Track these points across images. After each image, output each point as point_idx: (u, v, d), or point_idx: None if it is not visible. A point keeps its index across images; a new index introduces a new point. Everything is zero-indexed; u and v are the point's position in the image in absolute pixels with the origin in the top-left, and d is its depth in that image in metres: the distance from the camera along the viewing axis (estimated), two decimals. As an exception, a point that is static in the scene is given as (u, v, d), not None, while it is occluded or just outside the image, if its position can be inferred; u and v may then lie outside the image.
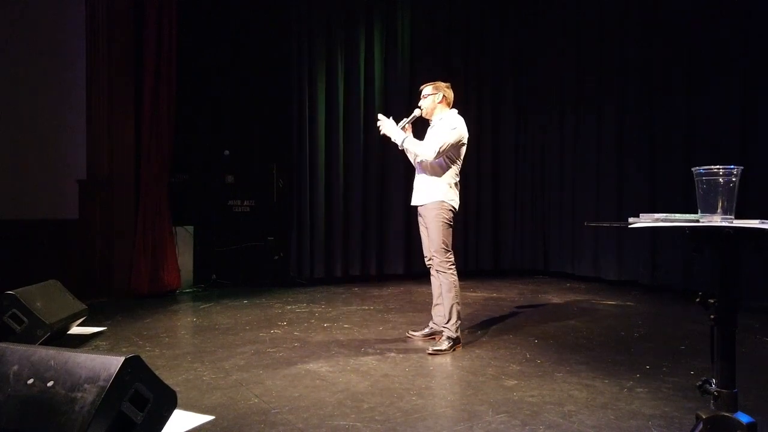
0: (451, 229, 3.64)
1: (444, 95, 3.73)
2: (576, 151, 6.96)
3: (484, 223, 7.52)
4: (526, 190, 7.66)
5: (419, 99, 3.79)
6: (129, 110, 5.64)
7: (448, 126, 3.59)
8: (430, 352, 3.45)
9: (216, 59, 6.40)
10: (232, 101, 6.49)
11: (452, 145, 3.57)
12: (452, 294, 3.57)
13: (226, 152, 6.28)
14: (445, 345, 3.50)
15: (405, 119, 3.77)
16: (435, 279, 3.72)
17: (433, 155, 3.53)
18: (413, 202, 3.78)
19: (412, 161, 3.84)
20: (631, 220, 1.75)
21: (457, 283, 3.61)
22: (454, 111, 3.73)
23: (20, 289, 3.40)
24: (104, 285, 5.51)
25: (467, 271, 7.32)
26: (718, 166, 1.66)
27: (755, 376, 2.97)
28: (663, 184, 5.89)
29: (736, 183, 1.65)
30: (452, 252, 3.66)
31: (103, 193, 5.58)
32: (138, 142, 5.65)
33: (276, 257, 6.74)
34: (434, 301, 3.77)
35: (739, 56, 5.23)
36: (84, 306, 3.94)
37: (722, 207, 1.65)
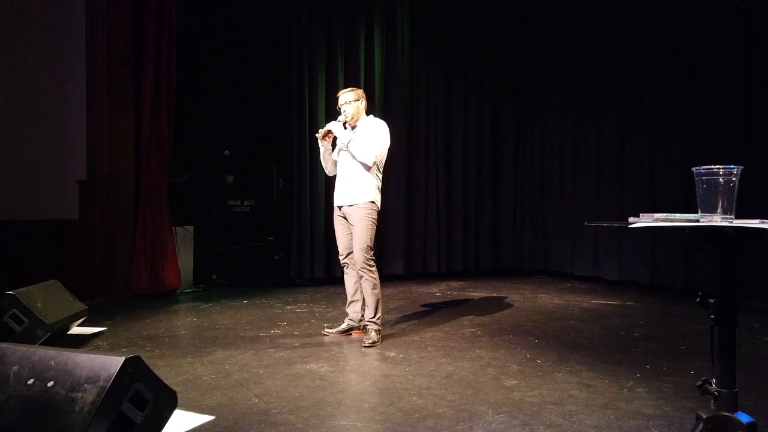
0: (374, 229, 3.81)
1: (365, 102, 3.97)
2: (576, 151, 6.96)
3: (484, 223, 7.52)
4: (526, 190, 7.66)
5: (338, 105, 3.92)
6: (129, 110, 5.65)
7: (382, 133, 3.81)
8: (366, 345, 3.62)
9: (216, 59, 6.41)
10: (232, 101, 6.49)
11: (384, 151, 3.84)
12: (377, 291, 3.76)
13: (226, 152, 6.27)
14: (374, 336, 3.68)
15: (335, 122, 3.86)
16: (349, 277, 3.91)
17: (373, 160, 3.75)
18: (340, 202, 3.87)
19: (336, 161, 3.93)
20: (631, 219, 1.75)
21: (378, 280, 3.79)
22: (372, 117, 3.94)
23: (20, 289, 3.40)
24: (104, 285, 5.51)
25: (467, 271, 7.33)
26: (718, 166, 1.66)
27: (755, 376, 2.97)
28: (663, 184, 5.89)
29: (736, 183, 1.65)
30: (374, 251, 3.83)
31: (103, 194, 5.58)
32: (138, 142, 5.65)
33: (276, 257, 6.74)
34: (349, 298, 3.94)
35: (739, 56, 5.23)
36: (84, 306, 3.93)
37: (722, 207, 1.65)
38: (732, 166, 1.65)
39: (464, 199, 7.38)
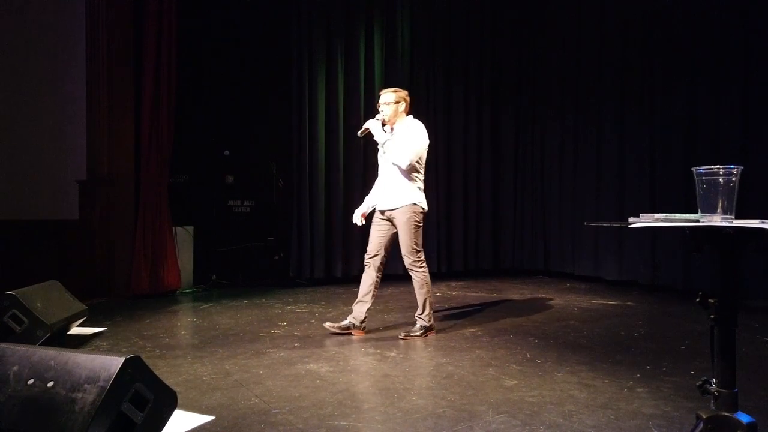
0: (420, 230, 3.87)
1: (406, 104, 3.94)
2: (576, 151, 6.96)
3: (484, 223, 7.52)
4: (526, 190, 7.66)
5: (378, 103, 3.95)
6: (129, 110, 5.65)
7: (418, 135, 3.82)
8: (401, 337, 3.79)
9: (216, 59, 6.41)
10: (232, 101, 6.49)
11: (421, 153, 3.84)
12: (425, 290, 3.88)
13: (226, 152, 6.28)
14: (418, 332, 3.84)
15: (373, 120, 3.91)
16: (367, 276, 3.96)
17: (408, 163, 3.76)
18: (383, 207, 3.92)
19: (380, 164, 3.98)
20: (631, 220, 1.75)
21: (428, 278, 3.91)
22: (411, 118, 3.93)
23: (20, 289, 3.40)
24: (104, 285, 5.51)
25: (467, 271, 7.33)
26: (718, 166, 1.65)
27: (755, 376, 2.97)
28: (663, 184, 5.89)
29: (736, 183, 1.65)
30: (422, 251, 3.91)
31: (103, 193, 5.58)
32: (138, 142, 5.65)
33: (276, 257, 6.74)
34: (359, 297, 3.95)
35: (739, 56, 5.23)
36: (84, 306, 3.93)
37: (722, 207, 1.65)
38: (732, 166, 1.64)
39: (464, 199, 7.38)
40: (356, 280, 6.61)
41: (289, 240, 6.64)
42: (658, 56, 5.95)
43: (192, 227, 6.10)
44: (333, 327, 3.92)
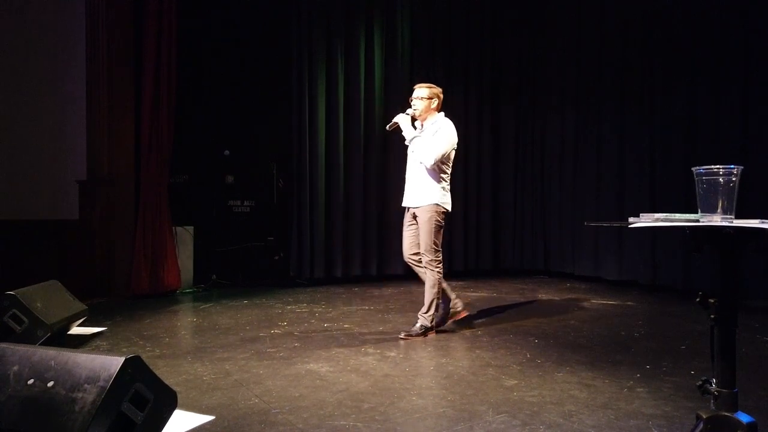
0: (442, 230, 3.88)
1: (439, 101, 3.92)
2: (576, 151, 6.96)
3: (484, 223, 7.52)
4: (526, 190, 7.66)
5: (411, 97, 3.96)
6: (129, 110, 5.64)
7: (446, 133, 3.79)
8: (402, 336, 3.79)
9: (216, 59, 6.41)
10: (232, 101, 6.49)
11: (448, 153, 3.81)
12: (435, 290, 3.86)
13: (226, 152, 6.27)
14: (419, 331, 3.83)
15: (403, 114, 3.92)
16: (421, 274, 3.96)
17: (432, 162, 3.75)
18: (407, 204, 3.97)
19: (409, 160, 3.97)
20: (631, 219, 1.75)
21: (442, 280, 3.90)
22: (442, 115, 3.91)
23: (20, 289, 3.40)
24: (104, 285, 5.51)
25: (467, 271, 7.33)
26: (718, 166, 1.65)
27: (755, 376, 2.97)
28: (663, 184, 5.89)
29: (737, 183, 1.65)
30: (441, 251, 3.90)
31: (103, 194, 5.57)
32: (138, 142, 5.64)
33: (276, 257, 6.74)
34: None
35: (739, 56, 5.23)
36: (84, 306, 3.93)
37: (722, 207, 1.65)
38: (732, 166, 1.64)
39: (464, 198, 7.37)
40: (356, 280, 6.68)
41: (289, 240, 6.64)
42: (658, 56, 5.95)
43: (192, 227, 6.10)
44: (403, 335, 3.91)
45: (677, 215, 1.72)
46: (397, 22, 7.06)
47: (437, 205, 3.81)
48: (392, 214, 6.95)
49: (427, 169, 3.80)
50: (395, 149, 7.02)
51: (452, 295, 4.04)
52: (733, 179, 1.65)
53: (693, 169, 1.71)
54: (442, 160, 3.79)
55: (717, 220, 1.63)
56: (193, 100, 6.21)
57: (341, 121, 6.72)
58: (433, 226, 3.80)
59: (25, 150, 5.43)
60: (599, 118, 6.62)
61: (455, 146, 3.88)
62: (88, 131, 5.71)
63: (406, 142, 3.92)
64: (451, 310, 4.05)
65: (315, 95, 6.58)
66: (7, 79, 5.35)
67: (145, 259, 5.53)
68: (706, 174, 1.67)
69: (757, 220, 1.54)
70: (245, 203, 6.57)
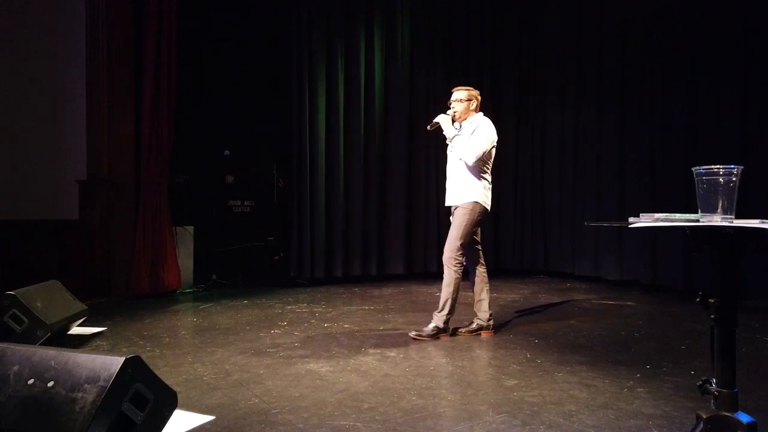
0: (473, 228, 3.88)
1: (477, 102, 4.00)
2: (576, 151, 6.97)
3: (484, 223, 7.50)
4: (526, 190, 7.66)
5: (449, 100, 4.02)
6: (129, 110, 5.65)
7: (486, 132, 3.82)
8: (413, 335, 3.77)
9: (216, 59, 6.41)
10: (232, 101, 6.49)
11: (488, 150, 3.84)
12: (451, 289, 3.80)
13: (226, 152, 6.28)
14: (430, 332, 3.78)
15: (443, 115, 3.97)
16: (476, 276, 3.98)
17: (474, 160, 3.76)
18: (449, 202, 3.99)
19: (449, 160, 4.00)
20: (631, 219, 1.75)
21: (459, 280, 3.84)
22: (481, 115, 3.96)
23: (20, 289, 3.40)
24: (104, 285, 5.51)
25: (467, 270, 7.30)
26: (718, 166, 1.65)
27: (755, 376, 2.97)
28: (663, 184, 5.89)
29: (737, 183, 1.65)
30: (463, 252, 3.87)
31: (103, 194, 5.58)
32: (138, 142, 5.65)
33: (276, 257, 6.74)
34: (475, 297, 3.98)
35: (739, 56, 5.23)
36: (84, 306, 3.93)
37: (722, 207, 1.65)
38: (732, 166, 1.64)
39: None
40: (356, 280, 6.68)
41: (289, 240, 6.64)
42: (658, 56, 5.95)
43: (192, 227, 6.10)
44: (463, 332, 3.92)
45: (677, 215, 1.71)
46: (397, 22, 7.06)
47: (476, 202, 3.82)
48: (392, 214, 6.97)
49: (468, 167, 3.81)
50: (395, 149, 7.03)
51: (483, 308, 3.96)
52: (733, 179, 1.64)
53: (693, 169, 1.71)
54: (483, 158, 3.81)
55: (717, 220, 1.63)
56: (193, 100, 6.21)
57: (341, 121, 6.72)
58: (465, 221, 3.80)
59: (25, 150, 5.43)
60: (599, 118, 6.63)
61: (495, 144, 3.89)
62: (88, 131, 5.71)
63: (447, 141, 3.97)
64: (487, 321, 3.97)
65: (315, 95, 6.59)
66: (7, 79, 5.35)
67: (145, 259, 5.53)
68: (706, 174, 1.67)
69: (757, 220, 1.54)
70: (245, 203, 6.57)
